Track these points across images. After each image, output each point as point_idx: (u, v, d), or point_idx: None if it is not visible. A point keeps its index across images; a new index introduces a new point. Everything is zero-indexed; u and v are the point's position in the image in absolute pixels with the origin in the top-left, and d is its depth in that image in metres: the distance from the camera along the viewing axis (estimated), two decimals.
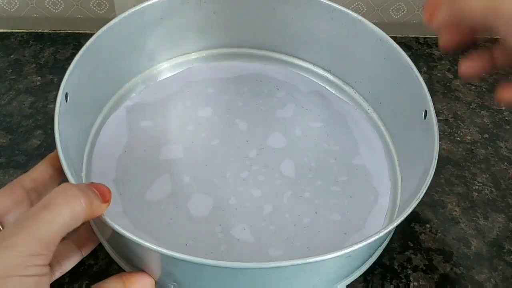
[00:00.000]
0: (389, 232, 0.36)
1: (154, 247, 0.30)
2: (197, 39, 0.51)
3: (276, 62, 0.53)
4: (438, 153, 0.37)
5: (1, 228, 0.31)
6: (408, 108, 0.43)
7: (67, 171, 0.33)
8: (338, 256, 0.31)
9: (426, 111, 0.40)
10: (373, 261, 0.40)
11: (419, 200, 0.35)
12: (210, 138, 0.46)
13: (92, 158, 0.44)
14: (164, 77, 0.51)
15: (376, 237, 0.32)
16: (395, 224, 0.33)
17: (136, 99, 0.49)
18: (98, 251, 0.40)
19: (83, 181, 0.41)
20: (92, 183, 0.32)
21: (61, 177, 0.35)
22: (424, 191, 0.35)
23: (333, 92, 0.51)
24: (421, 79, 0.41)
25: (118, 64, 0.46)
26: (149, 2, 0.45)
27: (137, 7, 0.45)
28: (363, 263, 0.39)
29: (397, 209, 0.42)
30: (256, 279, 0.33)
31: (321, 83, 0.52)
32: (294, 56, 0.52)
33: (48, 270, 0.27)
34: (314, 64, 0.52)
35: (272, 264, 0.30)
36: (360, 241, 0.32)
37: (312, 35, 0.50)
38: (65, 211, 0.27)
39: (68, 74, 0.39)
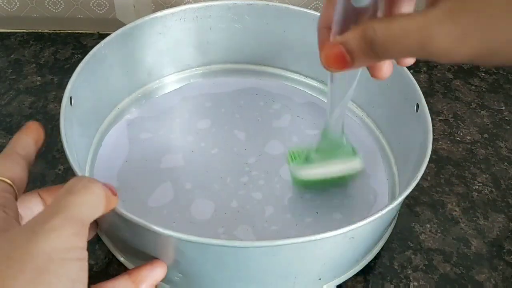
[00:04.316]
0: (389, 215, 0.37)
1: (166, 231, 0.31)
2: (194, 55, 0.52)
3: (271, 76, 0.54)
4: (432, 135, 0.38)
5: (16, 192, 0.30)
6: (401, 106, 0.44)
7: (75, 169, 0.34)
8: (341, 234, 0.32)
9: (418, 104, 0.41)
10: (374, 255, 0.40)
11: (420, 175, 0.35)
12: (210, 148, 0.47)
13: (94, 167, 0.45)
14: (163, 93, 0.52)
15: (378, 214, 0.32)
16: (396, 202, 0.34)
17: (136, 113, 0.50)
18: (98, 251, 0.41)
19: None
20: None
21: (38, 148, 0.35)
22: (426, 163, 0.36)
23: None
24: (411, 76, 0.42)
25: (119, 78, 0.47)
26: (147, 17, 0.46)
27: (137, 22, 0.46)
28: (365, 255, 0.39)
29: None
30: (262, 263, 0.33)
31: (315, 94, 0.53)
32: (288, 70, 0.54)
33: (87, 255, 0.26)
34: (307, 76, 0.53)
35: (279, 242, 0.31)
36: (363, 219, 0.32)
37: (303, 47, 0.51)
38: (88, 194, 0.28)
39: (71, 82, 0.39)
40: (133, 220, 0.31)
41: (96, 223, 0.37)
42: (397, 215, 0.43)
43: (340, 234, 0.32)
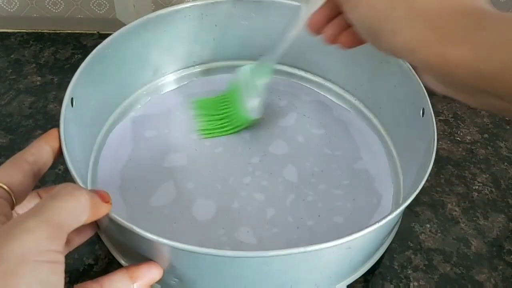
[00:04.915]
0: (389, 225, 0.36)
1: (162, 240, 0.31)
2: (200, 52, 0.52)
3: (278, 73, 0.54)
4: (437, 140, 0.38)
5: (14, 199, 0.31)
6: (407, 109, 0.44)
7: (73, 172, 0.34)
8: (337, 245, 0.31)
9: (423, 109, 0.41)
10: (374, 262, 0.40)
11: (420, 187, 0.35)
12: (214, 146, 0.47)
13: (97, 166, 0.45)
14: (168, 90, 0.52)
15: (375, 226, 0.32)
16: (395, 213, 0.33)
17: (141, 110, 0.50)
18: (98, 251, 0.41)
19: (89, 188, 0.42)
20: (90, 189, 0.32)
21: (56, 155, 0.35)
22: (426, 177, 0.35)
23: (334, 100, 0.52)
24: (418, 79, 0.42)
25: (123, 76, 0.47)
26: (151, 15, 0.46)
27: (140, 20, 0.46)
28: (364, 262, 0.39)
29: None
30: (257, 272, 0.33)
31: (322, 92, 0.53)
32: (295, 67, 0.53)
33: (62, 259, 0.26)
34: (314, 74, 0.53)
35: (272, 253, 0.30)
36: (359, 231, 0.32)
37: (310, 44, 0.50)
38: (70, 200, 0.28)
39: (72, 83, 0.39)
40: (126, 226, 0.31)
41: (96, 224, 0.37)
42: (398, 224, 0.43)
43: (334, 246, 0.31)
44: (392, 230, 0.41)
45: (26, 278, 0.24)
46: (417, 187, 0.34)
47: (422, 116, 0.41)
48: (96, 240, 0.41)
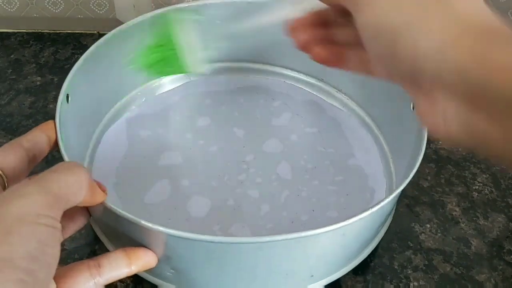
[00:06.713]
0: (382, 213, 0.37)
1: (155, 226, 0.31)
2: None
3: (271, 74, 0.54)
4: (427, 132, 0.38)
5: (6, 183, 0.31)
6: (399, 105, 0.44)
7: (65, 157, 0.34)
8: (332, 231, 0.31)
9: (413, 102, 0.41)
10: (369, 252, 0.40)
11: (413, 173, 0.35)
12: (208, 145, 0.47)
13: (92, 164, 0.45)
14: (163, 91, 0.52)
15: (369, 212, 0.32)
16: (387, 200, 0.33)
17: (136, 111, 0.50)
18: (98, 251, 0.41)
19: None
20: None
21: (52, 146, 0.36)
22: (419, 163, 0.35)
23: (327, 100, 0.52)
24: None
25: (118, 76, 0.47)
26: (148, 15, 0.46)
27: (137, 19, 0.46)
28: (359, 252, 0.39)
29: None
30: (252, 259, 0.33)
31: (314, 93, 0.53)
32: (288, 68, 0.54)
33: (60, 226, 0.26)
34: (307, 74, 0.53)
35: (266, 239, 0.31)
36: (353, 216, 0.32)
37: None
38: (70, 174, 0.28)
39: (68, 79, 0.39)
40: (123, 215, 0.31)
41: (88, 212, 0.36)
42: (392, 214, 0.43)
43: (329, 231, 0.31)
44: (385, 221, 0.41)
45: (24, 237, 0.24)
46: (410, 173, 0.35)
47: (413, 109, 0.41)
48: (96, 240, 0.41)
